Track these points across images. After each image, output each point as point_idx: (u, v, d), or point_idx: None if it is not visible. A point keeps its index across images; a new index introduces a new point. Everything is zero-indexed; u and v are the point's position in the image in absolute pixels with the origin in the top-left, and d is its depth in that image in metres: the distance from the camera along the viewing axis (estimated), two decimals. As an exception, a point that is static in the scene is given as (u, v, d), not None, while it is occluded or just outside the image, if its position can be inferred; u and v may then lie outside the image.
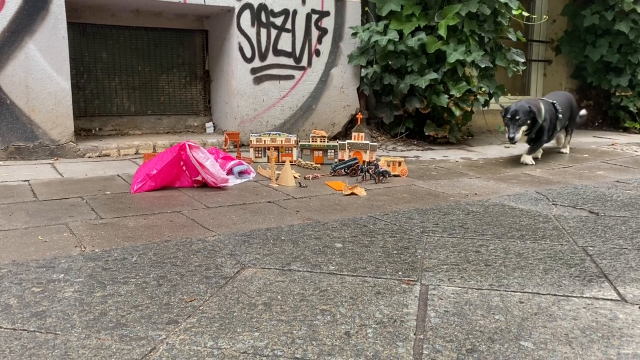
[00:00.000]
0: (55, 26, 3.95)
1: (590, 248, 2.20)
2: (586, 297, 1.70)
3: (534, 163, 4.29)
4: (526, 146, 4.54)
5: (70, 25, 4.10)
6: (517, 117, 4.02)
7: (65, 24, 3.99)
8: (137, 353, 1.30)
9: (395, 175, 3.70)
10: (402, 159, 3.80)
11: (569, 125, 4.89)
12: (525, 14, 5.34)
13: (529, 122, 4.09)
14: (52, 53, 3.96)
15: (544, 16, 6.85)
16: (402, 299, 1.66)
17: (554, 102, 4.48)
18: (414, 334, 1.43)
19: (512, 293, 1.72)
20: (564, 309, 1.61)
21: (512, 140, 4.04)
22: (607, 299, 1.69)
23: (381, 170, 3.53)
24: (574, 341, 1.41)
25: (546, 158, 4.68)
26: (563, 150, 5.01)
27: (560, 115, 4.45)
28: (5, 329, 1.42)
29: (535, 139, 4.37)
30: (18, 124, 3.92)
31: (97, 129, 4.86)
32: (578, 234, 2.39)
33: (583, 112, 5.19)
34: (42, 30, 3.91)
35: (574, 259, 2.06)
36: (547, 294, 1.72)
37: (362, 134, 4.12)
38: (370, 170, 3.55)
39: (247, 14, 4.74)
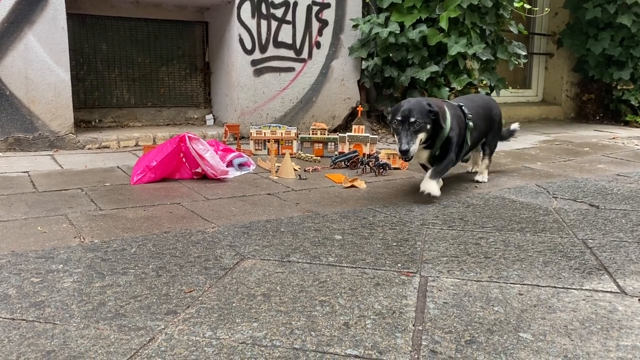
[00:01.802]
0: (54, 17, 3.93)
1: (590, 241, 2.19)
2: (586, 290, 1.70)
3: (439, 194, 2.84)
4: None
5: (69, 16, 4.08)
6: (412, 120, 2.63)
7: (64, 14, 3.97)
8: (136, 343, 1.30)
9: (395, 168, 3.69)
10: (403, 152, 3.79)
11: (488, 142, 3.34)
12: (527, 6, 5.31)
13: (428, 127, 2.70)
14: (52, 44, 3.94)
15: (546, 9, 6.82)
16: (401, 290, 1.65)
17: (461, 105, 3.03)
18: (413, 325, 1.43)
19: (512, 285, 1.72)
20: (563, 301, 1.61)
21: (405, 155, 2.65)
22: (607, 291, 1.69)
23: (381, 162, 3.52)
24: (573, 333, 1.41)
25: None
26: (479, 177, 3.34)
27: (470, 124, 2.98)
28: (4, 318, 1.41)
29: (440, 157, 2.88)
30: (17, 115, 3.91)
31: (96, 120, 4.85)
32: (578, 227, 2.39)
33: (515, 126, 3.66)
34: (41, 20, 3.89)
35: (574, 251, 2.06)
36: (547, 286, 1.72)
37: (363, 127, 4.11)
38: (370, 163, 3.55)
39: (247, 6, 4.72)
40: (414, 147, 2.65)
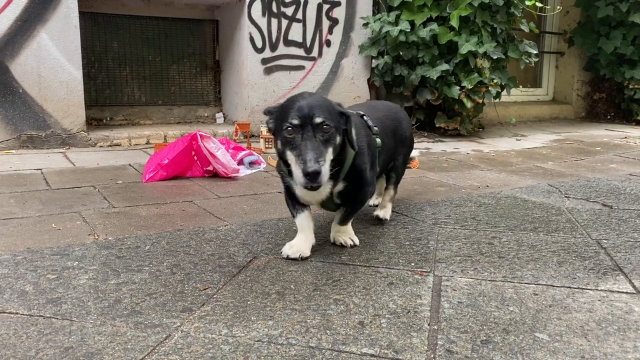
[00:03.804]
0: (67, 15, 3.95)
1: (604, 241, 2.18)
2: (601, 290, 1.69)
3: (357, 242, 2.06)
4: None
5: (81, 15, 4.11)
6: (318, 121, 1.72)
7: (77, 13, 3.99)
8: (153, 340, 1.31)
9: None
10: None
11: (396, 166, 2.42)
12: (538, 4, 5.28)
13: (338, 140, 1.79)
14: (64, 42, 3.97)
15: (558, 7, 6.77)
16: (415, 289, 1.65)
17: (362, 114, 2.15)
18: (428, 325, 1.43)
19: (526, 285, 1.71)
20: (578, 302, 1.60)
21: (313, 180, 1.66)
22: (623, 292, 1.67)
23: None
24: (589, 333, 1.40)
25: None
26: (380, 213, 2.39)
27: (378, 141, 2.13)
28: (22, 314, 1.43)
29: (346, 195, 1.97)
30: (30, 112, 3.94)
31: (108, 118, 4.88)
32: (591, 227, 2.37)
33: (414, 153, 2.72)
34: (54, 19, 3.92)
35: (588, 251, 2.05)
36: (562, 286, 1.71)
37: (373, 125, 4.10)
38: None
39: (258, 4, 4.72)
40: (326, 167, 1.67)
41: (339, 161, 1.83)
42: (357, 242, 2.05)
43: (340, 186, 1.92)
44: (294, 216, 2.00)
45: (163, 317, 1.43)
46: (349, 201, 1.99)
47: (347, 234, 2.07)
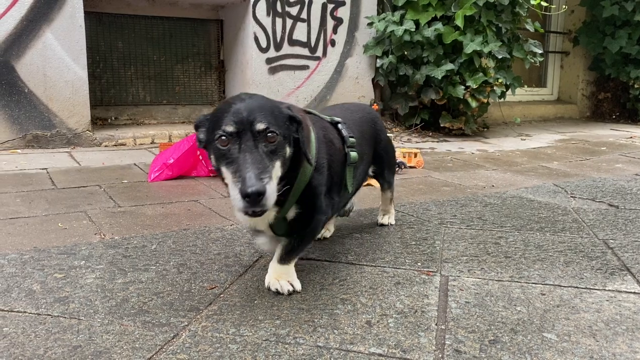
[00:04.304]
0: (72, 15, 3.96)
1: (611, 241, 2.17)
2: (609, 290, 1.68)
3: (299, 287, 1.62)
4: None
5: (86, 14, 4.12)
6: (261, 127, 1.38)
7: (82, 12, 4.00)
8: (160, 339, 1.31)
9: (411, 167, 3.68)
10: (418, 150, 3.78)
11: (381, 170, 2.18)
12: (543, 4, 5.26)
13: (288, 151, 1.46)
14: (70, 42, 3.98)
15: (563, 6, 6.75)
16: (422, 289, 1.65)
17: (338, 121, 1.81)
18: (436, 325, 1.42)
19: (534, 285, 1.71)
20: (586, 302, 1.59)
21: (252, 201, 1.29)
22: (631, 292, 1.67)
23: (397, 161, 3.51)
24: (597, 333, 1.40)
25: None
26: (384, 219, 2.32)
27: (353, 155, 1.78)
28: (30, 313, 1.43)
29: (298, 220, 1.62)
30: (36, 112, 3.95)
31: (112, 118, 4.89)
32: (598, 227, 2.36)
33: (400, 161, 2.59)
34: (59, 19, 3.93)
35: (595, 251, 2.04)
36: (569, 287, 1.70)
37: (378, 125, 4.09)
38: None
39: (262, 4, 4.72)
40: (272, 185, 1.34)
41: (289, 179, 1.48)
42: (298, 287, 1.60)
43: (291, 212, 1.53)
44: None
45: (170, 316, 1.43)
46: (298, 232, 1.60)
47: (287, 276, 1.61)
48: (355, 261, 1.88)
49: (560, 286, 1.70)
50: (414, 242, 2.10)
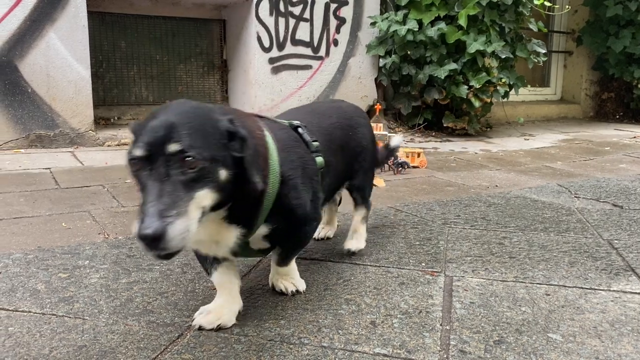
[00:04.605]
0: (75, 15, 3.96)
1: (615, 241, 2.16)
2: (614, 291, 1.68)
3: (297, 290, 1.62)
4: None
5: (89, 14, 4.12)
6: (172, 151, 1.12)
7: (85, 12, 4.01)
8: (165, 339, 1.31)
9: (414, 167, 3.67)
10: (421, 150, 3.78)
11: (358, 182, 1.93)
12: (547, 3, 5.25)
13: (223, 173, 1.18)
14: (73, 42, 3.98)
15: (567, 6, 6.74)
16: (426, 289, 1.65)
17: (297, 125, 1.59)
18: (440, 325, 1.42)
19: (538, 285, 1.70)
20: (591, 302, 1.59)
21: (148, 244, 1.06)
22: (636, 293, 1.66)
23: (400, 161, 3.51)
24: (603, 334, 1.39)
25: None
26: (351, 245, 1.93)
27: (319, 160, 1.58)
28: (35, 313, 1.43)
29: (282, 234, 1.47)
30: (39, 112, 3.96)
31: (115, 117, 4.89)
32: (602, 227, 2.35)
33: (396, 140, 2.30)
34: (62, 18, 3.93)
35: (600, 252, 2.03)
36: (574, 287, 1.70)
37: (381, 125, 4.10)
38: (389, 162, 3.53)
39: (265, 3, 4.72)
40: (181, 222, 1.09)
41: (251, 199, 1.28)
42: (301, 287, 1.61)
43: (263, 230, 1.38)
44: (208, 273, 1.47)
45: (175, 316, 1.43)
46: (284, 242, 1.51)
47: (288, 277, 1.60)
48: (359, 261, 1.88)
49: (565, 287, 1.70)
50: (417, 242, 2.10)
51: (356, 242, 1.95)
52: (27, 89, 3.90)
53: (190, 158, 1.11)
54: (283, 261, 1.58)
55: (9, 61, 3.82)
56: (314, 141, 1.57)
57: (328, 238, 2.10)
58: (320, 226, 2.07)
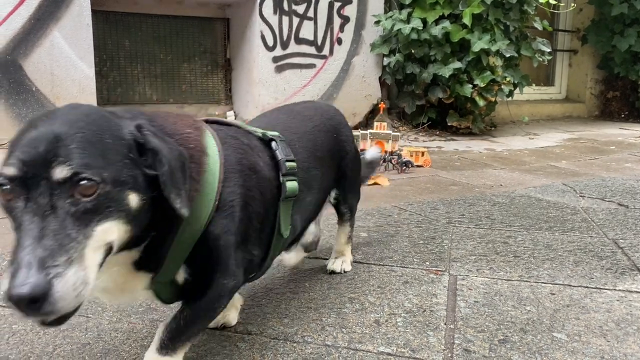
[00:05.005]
0: (79, 14, 3.97)
1: (621, 241, 2.15)
2: (619, 290, 1.67)
3: None
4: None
5: (94, 13, 4.12)
6: (57, 178, 0.83)
7: (89, 11, 4.01)
8: (169, 337, 1.31)
9: (418, 166, 3.66)
10: (426, 149, 3.77)
11: (343, 194, 1.71)
12: (552, 2, 5.23)
13: (132, 198, 0.90)
14: (77, 40, 3.99)
15: (572, 5, 6.71)
16: (430, 288, 1.64)
17: (272, 137, 1.31)
18: (445, 324, 1.41)
19: (543, 284, 1.69)
20: (596, 301, 1.58)
21: (21, 306, 0.75)
22: (642, 292, 1.65)
23: (404, 160, 3.50)
24: (608, 333, 1.38)
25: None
26: (335, 265, 1.76)
27: (291, 186, 1.29)
28: (38, 311, 1.43)
29: (195, 285, 1.10)
30: (43, 111, 3.96)
31: (119, 116, 4.90)
32: (608, 227, 2.34)
33: (372, 153, 2.03)
34: (66, 17, 3.94)
35: (605, 251, 2.02)
36: (579, 286, 1.69)
37: (385, 124, 4.09)
38: (393, 161, 3.53)
39: (269, 2, 4.72)
40: (72, 274, 0.80)
41: (162, 230, 0.99)
42: None
43: (181, 275, 1.05)
44: None
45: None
46: (192, 300, 1.09)
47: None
48: (363, 260, 1.87)
49: (570, 286, 1.69)
50: (422, 241, 2.09)
51: (340, 262, 1.76)
52: (31, 87, 3.91)
53: (84, 182, 0.83)
54: (173, 340, 1.07)
55: (14, 60, 3.83)
56: (289, 160, 1.28)
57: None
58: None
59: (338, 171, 1.63)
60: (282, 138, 1.32)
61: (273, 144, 1.29)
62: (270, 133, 1.31)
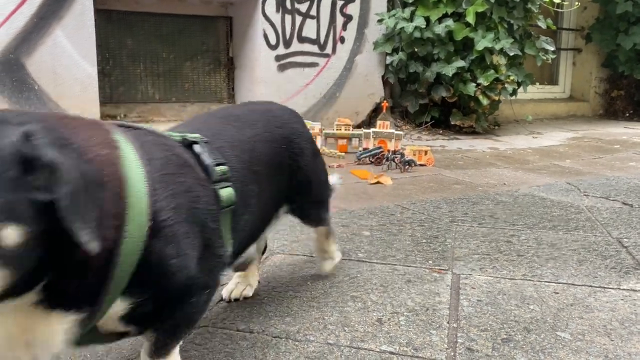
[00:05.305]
0: (82, 12, 3.97)
1: (625, 240, 2.14)
2: (623, 289, 1.65)
3: None
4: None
5: (96, 12, 4.13)
6: None
7: (92, 10, 4.01)
8: (170, 335, 1.30)
9: (421, 165, 3.65)
10: (429, 148, 3.76)
11: (302, 207, 1.50)
12: (556, 0, 5.20)
13: (9, 235, 0.67)
14: (79, 39, 3.99)
15: (576, 3, 6.68)
16: (433, 287, 1.63)
17: (193, 140, 1.08)
18: (448, 323, 1.40)
19: (547, 283, 1.68)
20: (600, 300, 1.57)
21: None
22: (646, 292, 1.64)
23: (407, 159, 3.49)
24: (612, 333, 1.37)
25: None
26: (325, 265, 1.69)
27: (223, 193, 1.07)
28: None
29: (153, 312, 0.93)
30: (45, 109, 3.97)
31: (122, 115, 4.90)
32: (612, 226, 2.33)
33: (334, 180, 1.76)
34: (69, 16, 3.94)
35: (609, 250, 2.01)
36: (583, 285, 1.67)
37: (388, 123, 4.08)
38: (395, 159, 3.51)
39: (271, 0, 4.71)
40: None
41: (89, 266, 0.78)
42: None
43: (119, 307, 0.88)
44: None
45: (179, 312, 1.42)
46: (157, 324, 0.97)
47: None
48: (366, 258, 1.87)
49: (574, 285, 1.68)
50: (424, 240, 2.08)
51: (330, 263, 1.66)
52: (34, 86, 3.91)
53: None
54: (158, 351, 1.01)
55: (16, 58, 3.83)
56: (218, 164, 1.07)
57: (245, 298, 1.51)
58: (235, 281, 1.54)
59: (289, 188, 1.39)
60: (205, 140, 1.09)
61: (196, 146, 1.06)
62: (191, 136, 1.08)
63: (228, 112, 1.38)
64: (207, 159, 1.05)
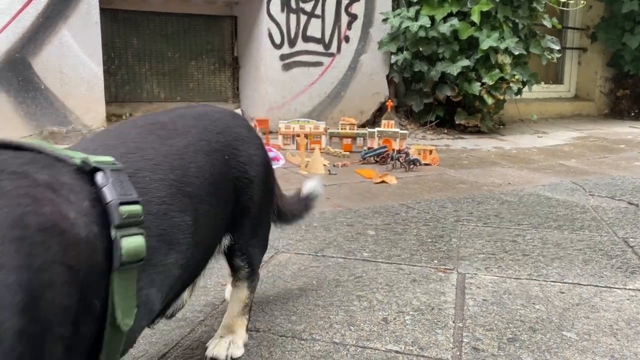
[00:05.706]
0: (88, 12, 3.98)
1: (631, 239, 2.13)
2: (630, 289, 1.65)
3: None
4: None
5: (102, 11, 4.14)
6: None
7: (98, 9, 4.03)
8: (177, 334, 1.31)
9: (425, 164, 3.65)
10: (433, 148, 3.75)
11: (243, 239, 1.18)
12: (561, -1, 5.19)
13: None
14: (85, 39, 4.00)
15: (581, 2, 6.65)
16: (439, 287, 1.63)
17: (95, 167, 0.76)
18: (453, 322, 1.41)
19: (552, 283, 1.68)
20: (606, 300, 1.56)
21: None
22: (652, 292, 1.63)
23: (412, 158, 3.49)
24: (618, 332, 1.37)
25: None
26: (215, 349, 1.19)
27: (127, 245, 0.73)
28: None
29: None
30: (52, 108, 3.99)
31: (127, 114, 4.91)
32: (618, 225, 2.32)
33: (311, 186, 1.58)
34: (75, 15, 3.95)
35: (615, 250, 2.00)
36: (588, 285, 1.67)
37: (392, 122, 4.08)
38: (400, 159, 3.51)
39: (276, 0, 4.72)
40: None
41: None
42: None
43: None
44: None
45: (187, 311, 1.43)
46: None
47: None
48: (371, 258, 1.87)
49: (580, 284, 1.68)
50: (430, 240, 2.08)
51: (227, 345, 1.20)
52: (40, 85, 3.93)
53: None
54: None
55: (23, 58, 3.85)
56: (127, 202, 0.76)
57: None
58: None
59: (235, 208, 1.13)
60: (117, 166, 0.80)
61: (99, 176, 0.76)
62: (97, 159, 0.78)
63: (152, 120, 1.06)
64: (110, 194, 0.75)
